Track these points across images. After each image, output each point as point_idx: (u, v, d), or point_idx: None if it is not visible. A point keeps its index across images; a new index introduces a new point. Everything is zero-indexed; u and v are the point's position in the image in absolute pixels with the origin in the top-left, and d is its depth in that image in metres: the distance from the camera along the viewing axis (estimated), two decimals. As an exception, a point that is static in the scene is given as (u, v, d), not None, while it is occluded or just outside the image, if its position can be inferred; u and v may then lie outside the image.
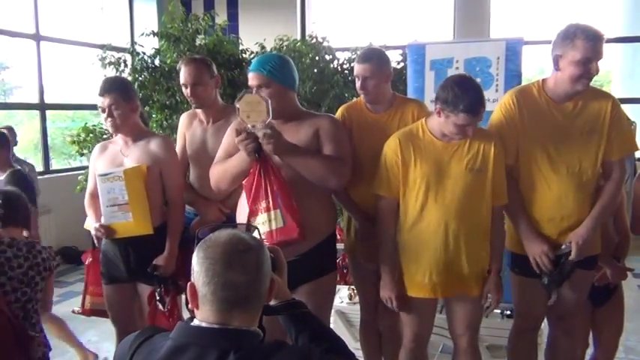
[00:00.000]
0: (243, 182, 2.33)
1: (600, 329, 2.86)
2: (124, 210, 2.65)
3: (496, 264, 2.45)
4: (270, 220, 2.25)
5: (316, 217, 2.37)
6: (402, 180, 2.39)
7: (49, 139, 6.84)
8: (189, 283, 1.26)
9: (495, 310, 3.75)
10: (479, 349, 2.60)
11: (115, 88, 2.69)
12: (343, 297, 4.20)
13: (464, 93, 2.20)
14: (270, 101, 2.20)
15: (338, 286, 3.96)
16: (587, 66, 2.28)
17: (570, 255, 2.40)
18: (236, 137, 2.23)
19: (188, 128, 2.95)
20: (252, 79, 2.34)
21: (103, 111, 2.68)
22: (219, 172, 2.43)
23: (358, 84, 2.61)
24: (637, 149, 2.59)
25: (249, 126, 2.21)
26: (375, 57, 2.60)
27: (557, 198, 2.43)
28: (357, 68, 2.60)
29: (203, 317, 1.23)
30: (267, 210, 2.25)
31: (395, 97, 2.70)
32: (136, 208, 2.64)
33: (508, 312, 3.68)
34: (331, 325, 3.87)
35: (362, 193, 2.61)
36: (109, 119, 2.67)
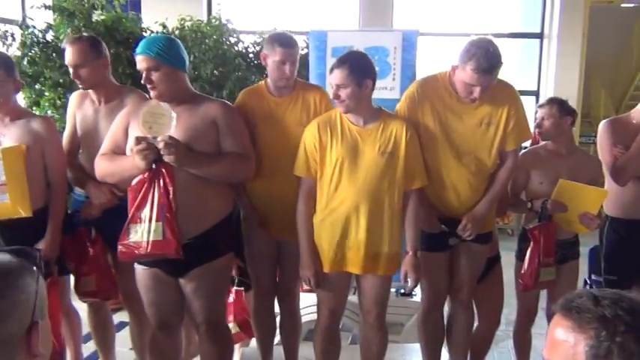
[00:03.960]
0: (132, 183, 2.28)
1: (482, 303, 3.07)
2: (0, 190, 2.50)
3: (413, 244, 2.57)
4: (149, 231, 2.23)
5: (211, 200, 2.38)
6: (319, 162, 2.50)
7: None
8: None
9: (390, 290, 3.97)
10: (385, 325, 2.75)
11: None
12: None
13: None
14: (175, 116, 2.19)
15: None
16: (471, 88, 2.46)
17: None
18: (135, 145, 2.18)
19: (79, 108, 2.81)
20: (140, 61, 2.29)
21: None
22: (106, 169, 2.37)
23: (283, 68, 2.58)
24: (530, 137, 2.80)
25: (149, 137, 2.18)
26: (294, 41, 2.63)
27: (454, 186, 2.62)
28: (283, 53, 2.57)
29: None
30: (150, 220, 2.23)
31: (296, 81, 2.73)
32: (13, 190, 2.49)
33: (402, 290, 3.88)
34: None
35: (263, 181, 2.63)
36: None
